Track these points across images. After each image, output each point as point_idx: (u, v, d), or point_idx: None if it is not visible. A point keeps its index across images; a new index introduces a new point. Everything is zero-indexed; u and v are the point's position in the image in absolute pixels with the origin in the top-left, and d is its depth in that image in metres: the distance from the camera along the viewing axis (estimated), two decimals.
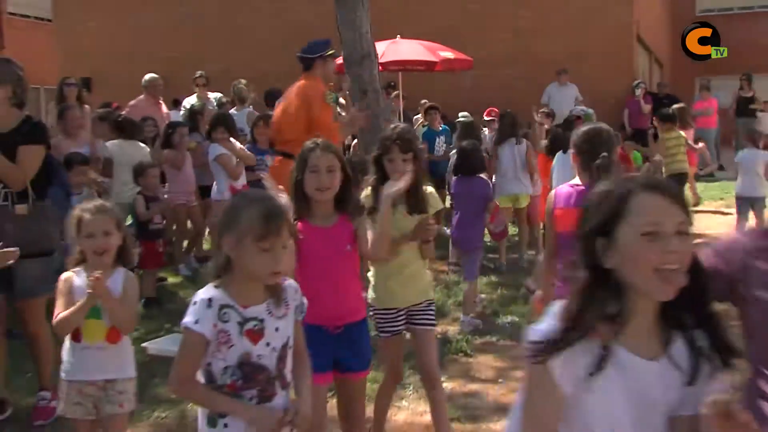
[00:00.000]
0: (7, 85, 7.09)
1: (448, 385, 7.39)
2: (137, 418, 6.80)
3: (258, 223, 3.64)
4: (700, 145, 16.76)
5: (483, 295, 10.51)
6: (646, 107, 22.14)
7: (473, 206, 10.04)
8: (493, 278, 11.52)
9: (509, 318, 9.56)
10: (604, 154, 5.61)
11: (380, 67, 15.53)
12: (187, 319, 3.71)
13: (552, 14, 23.88)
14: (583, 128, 6.18)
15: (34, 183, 6.59)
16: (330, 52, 10.06)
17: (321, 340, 4.88)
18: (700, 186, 18.68)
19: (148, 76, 13.87)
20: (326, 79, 10.04)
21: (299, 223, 4.94)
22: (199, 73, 15.34)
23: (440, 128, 14.46)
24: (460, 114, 15.66)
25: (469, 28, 22.78)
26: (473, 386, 7.52)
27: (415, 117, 17.35)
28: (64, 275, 5.16)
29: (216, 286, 3.78)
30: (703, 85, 25.39)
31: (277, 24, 25.71)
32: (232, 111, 13.95)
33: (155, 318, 9.90)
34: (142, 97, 13.74)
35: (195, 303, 3.74)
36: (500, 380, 7.74)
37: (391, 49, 17.95)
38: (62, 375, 5.18)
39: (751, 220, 13.42)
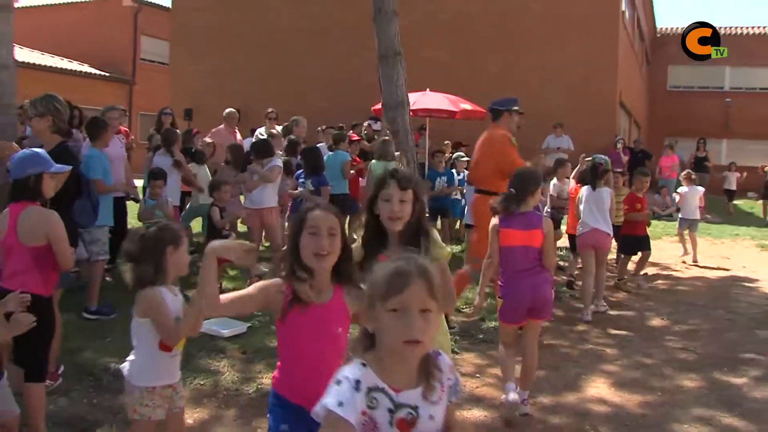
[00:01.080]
0: (48, 116, 6.98)
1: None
2: (182, 384, 6.38)
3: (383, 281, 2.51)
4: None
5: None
6: (624, 158, 22.25)
7: None
8: (487, 290, 10.90)
9: (493, 324, 8.93)
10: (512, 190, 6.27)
11: (411, 113, 15.32)
12: (329, 400, 2.45)
13: (553, 79, 23.88)
14: (519, 170, 6.66)
15: (61, 196, 6.00)
16: (515, 108, 9.83)
17: (299, 417, 3.39)
18: (660, 224, 18.76)
19: (226, 111, 13.63)
20: (509, 128, 9.62)
21: (286, 287, 3.47)
22: (270, 109, 14.95)
23: (443, 170, 13.66)
24: (456, 153, 15.68)
25: (485, 86, 22.51)
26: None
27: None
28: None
29: (363, 364, 2.54)
30: (670, 144, 25.44)
31: (332, 72, 26.02)
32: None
33: None
34: (221, 126, 13.42)
35: (339, 382, 2.50)
36: (477, 375, 7.28)
37: (421, 99, 17.92)
38: (145, 383, 4.41)
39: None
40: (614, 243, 11.27)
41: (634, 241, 11.73)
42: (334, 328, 3.48)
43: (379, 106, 15.50)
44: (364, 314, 2.63)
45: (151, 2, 38.01)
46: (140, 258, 4.36)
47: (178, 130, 13.17)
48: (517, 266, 6.20)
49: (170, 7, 32.14)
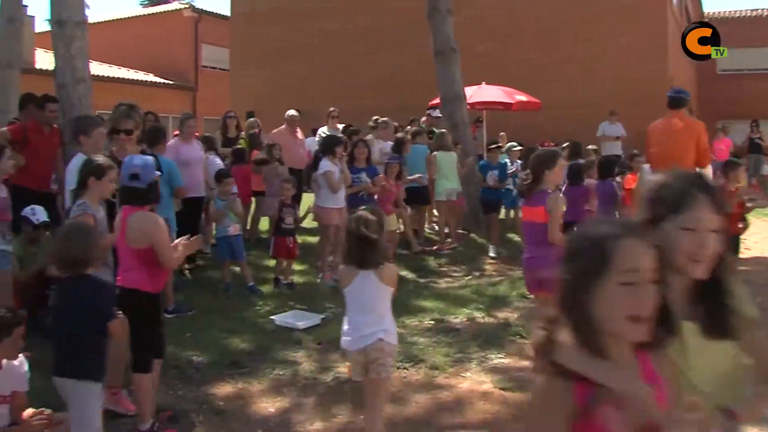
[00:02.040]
0: (139, 127, 7.06)
1: (504, 361, 7.11)
2: (262, 374, 6.77)
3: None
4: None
5: None
6: None
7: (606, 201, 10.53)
8: None
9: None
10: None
11: (468, 107, 15.33)
12: None
13: (603, 67, 23.55)
14: (535, 153, 7.10)
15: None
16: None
17: None
18: None
19: (288, 113, 13.64)
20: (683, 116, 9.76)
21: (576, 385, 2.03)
22: (332, 108, 14.97)
23: (496, 164, 13.33)
24: (509, 143, 15.32)
25: (538, 78, 22.37)
26: (525, 362, 6.89)
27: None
28: None
29: None
30: (722, 127, 24.55)
31: (385, 71, 25.98)
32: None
33: (282, 296, 9.68)
34: (283, 127, 13.46)
35: None
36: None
37: (477, 93, 17.83)
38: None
39: None
40: None
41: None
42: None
43: (436, 101, 15.52)
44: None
45: (210, 11, 38.37)
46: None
47: (242, 131, 13.44)
48: (525, 239, 7.06)
49: (229, 16, 32.46)
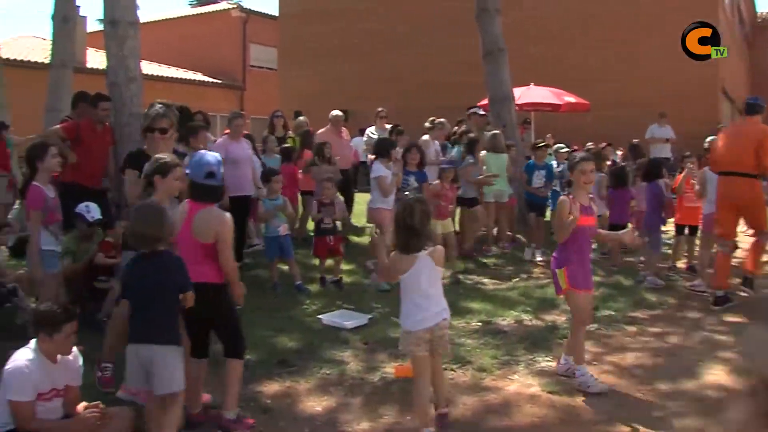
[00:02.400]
0: (173, 126, 6.99)
1: (552, 364, 6.98)
2: (309, 373, 6.78)
3: None
4: None
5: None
6: None
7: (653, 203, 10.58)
8: (597, 278, 10.73)
9: (606, 312, 8.80)
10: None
11: (517, 107, 15.28)
12: None
13: (653, 69, 23.32)
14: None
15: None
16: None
17: None
18: None
19: (332, 113, 13.68)
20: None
21: None
22: (380, 108, 14.95)
23: (542, 163, 13.14)
24: (556, 145, 15.05)
25: (587, 79, 22.23)
26: None
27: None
28: None
29: None
30: None
31: (431, 73, 26.24)
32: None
33: (329, 295, 9.71)
34: (328, 127, 13.50)
35: None
36: (594, 363, 7.08)
37: (526, 93, 17.87)
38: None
39: None
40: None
41: None
42: None
43: (485, 101, 15.46)
44: None
45: (258, 11, 38.67)
46: None
47: (290, 131, 13.48)
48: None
49: (277, 16, 32.67)
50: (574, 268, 6.40)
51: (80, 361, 4.98)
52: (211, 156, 5.57)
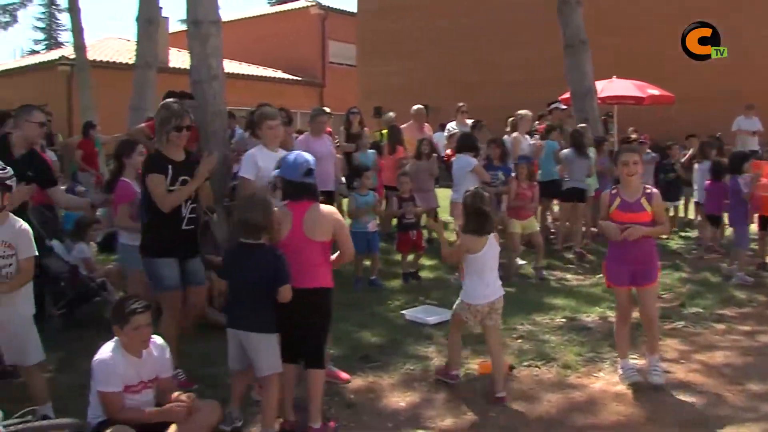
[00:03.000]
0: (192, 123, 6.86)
1: (638, 362, 6.85)
2: (392, 369, 6.83)
3: None
4: None
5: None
6: None
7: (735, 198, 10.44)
8: (683, 274, 10.55)
9: (693, 309, 8.63)
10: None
11: (599, 101, 15.08)
12: None
13: (744, 58, 22.35)
14: None
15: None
16: None
17: None
18: None
19: (414, 108, 13.72)
20: None
21: None
22: (461, 104, 14.89)
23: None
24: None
25: (671, 70, 21.67)
26: (661, 364, 6.67)
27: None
28: None
29: None
30: None
31: (512, 68, 25.86)
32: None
33: (412, 291, 9.78)
34: (411, 122, 13.52)
35: None
36: (682, 361, 6.98)
37: (608, 86, 17.53)
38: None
39: None
40: None
41: None
42: None
43: (566, 95, 15.30)
44: None
45: (336, 8, 38.92)
46: None
47: (366, 128, 13.48)
48: None
49: (356, 12, 32.83)
50: (610, 264, 6.50)
51: (167, 353, 5.10)
52: (306, 154, 5.68)
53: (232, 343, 5.38)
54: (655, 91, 18.33)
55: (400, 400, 6.12)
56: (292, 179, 5.51)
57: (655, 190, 6.44)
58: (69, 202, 8.18)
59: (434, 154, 12.25)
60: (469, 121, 14.32)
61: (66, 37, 64.11)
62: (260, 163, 6.84)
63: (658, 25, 23.71)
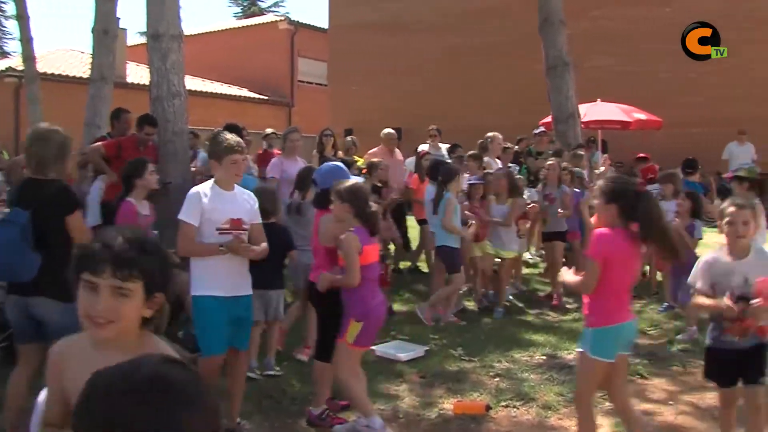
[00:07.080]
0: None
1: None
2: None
3: None
4: None
5: None
6: None
7: None
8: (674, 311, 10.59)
9: (681, 346, 8.63)
10: None
11: (582, 125, 15.14)
12: None
13: (736, 82, 22.62)
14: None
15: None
16: None
17: None
18: None
19: (384, 131, 13.67)
20: None
21: None
22: (432, 126, 14.90)
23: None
24: None
25: (660, 93, 21.87)
26: (647, 406, 6.75)
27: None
28: None
29: None
30: None
31: (491, 89, 26.08)
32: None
33: (385, 325, 9.52)
34: (380, 146, 13.49)
35: None
36: (670, 402, 6.96)
37: (592, 110, 17.68)
38: None
39: None
40: None
41: None
42: None
43: (547, 119, 15.35)
44: None
45: (306, 24, 38.98)
46: None
47: (340, 152, 13.38)
48: None
49: (327, 28, 32.92)
50: None
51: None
52: (335, 165, 6.90)
53: (255, 300, 6.40)
54: (641, 116, 18.53)
55: None
56: (324, 188, 6.46)
57: None
58: None
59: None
60: (444, 146, 14.35)
61: (13, 46, 63.65)
62: (208, 204, 5.76)
63: (647, 47, 23.87)
